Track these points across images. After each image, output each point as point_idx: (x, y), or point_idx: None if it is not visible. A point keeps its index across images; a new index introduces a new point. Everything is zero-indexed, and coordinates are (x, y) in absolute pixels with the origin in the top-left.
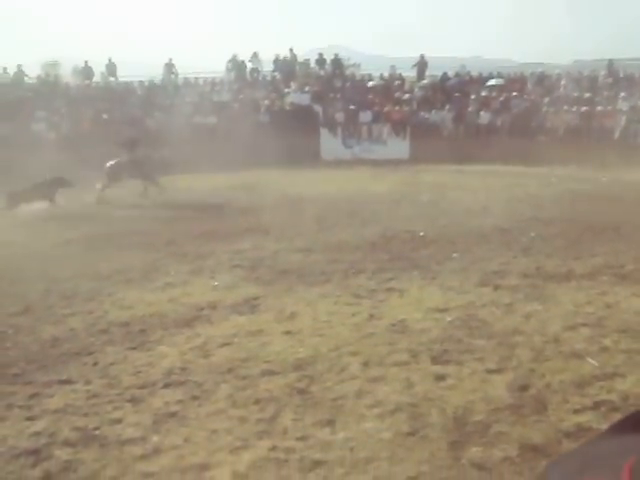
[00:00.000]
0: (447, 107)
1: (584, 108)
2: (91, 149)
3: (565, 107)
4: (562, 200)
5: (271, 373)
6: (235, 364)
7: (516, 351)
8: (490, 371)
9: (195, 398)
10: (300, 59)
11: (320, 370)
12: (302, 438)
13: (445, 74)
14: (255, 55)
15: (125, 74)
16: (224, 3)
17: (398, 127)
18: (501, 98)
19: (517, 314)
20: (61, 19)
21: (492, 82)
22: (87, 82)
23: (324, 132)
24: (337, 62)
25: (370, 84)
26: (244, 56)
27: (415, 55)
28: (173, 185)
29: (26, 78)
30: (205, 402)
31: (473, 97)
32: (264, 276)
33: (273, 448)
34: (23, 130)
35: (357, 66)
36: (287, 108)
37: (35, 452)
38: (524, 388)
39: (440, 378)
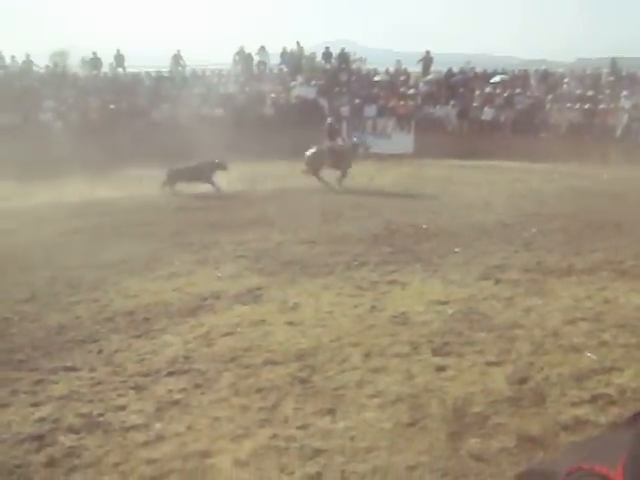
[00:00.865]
0: (451, 103)
1: (587, 106)
2: (97, 139)
3: (568, 104)
4: (564, 196)
5: (273, 362)
6: (238, 353)
7: (516, 344)
8: (490, 363)
9: (198, 386)
10: (307, 53)
11: (322, 360)
12: (303, 427)
13: (450, 70)
14: (262, 48)
15: (133, 64)
16: None
17: (403, 121)
18: (505, 94)
19: (517, 308)
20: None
21: (496, 79)
22: (95, 72)
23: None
24: (343, 56)
25: (375, 78)
26: (251, 49)
27: (421, 50)
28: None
29: (34, 68)
30: (208, 390)
31: (477, 93)
32: (268, 267)
33: (274, 436)
34: (31, 120)
35: (363, 60)
36: (293, 101)
37: (39, 438)
38: (523, 381)
39: (440, 370)
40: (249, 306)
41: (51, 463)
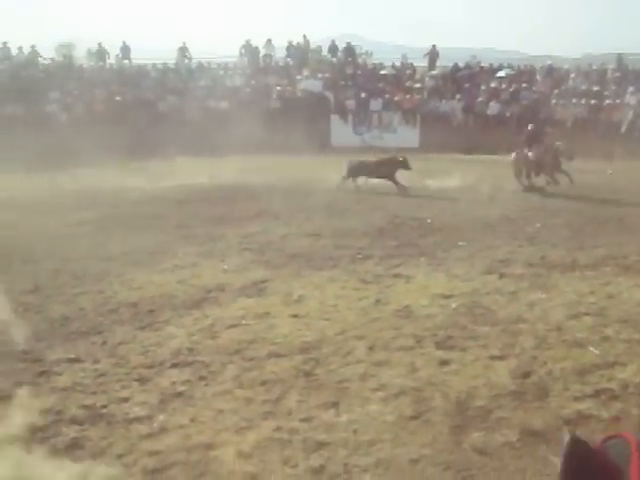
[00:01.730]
0: (457, 97)
1: (592, 101)
2: (103, 131)
3: (574, 100)
4: (568, 191)
5: (277, 355)
6: (242, 346)
7: (519, 338)
8: (493, 357)
9: (202, 378)
10: (313, 46)
11: (326, 353)
12: (306, 419)
13: (456, 64)
14: (269, 41)
15: (139, 57)
16: None
17: (408, 116)
18: (511, 89)
19: (521, 302)
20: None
21: (502, 73)
22: (101, 64)
23: (335, 119)
24: (349, 50)
25: (381, 72)
26: (257, 42)
27: (427, 45)
28: (184, 168)
29: (40, 59)
30: (212, 382)
31: (483, 88)
32: (273, 260)
33: (278, 429)
34: (36, 111)
35: (369, 54)
36: (299, 94)
37: (43, 429)
38: (526, 375)
39: (444, 363)
40: (254, 299)
41: (55, 454)
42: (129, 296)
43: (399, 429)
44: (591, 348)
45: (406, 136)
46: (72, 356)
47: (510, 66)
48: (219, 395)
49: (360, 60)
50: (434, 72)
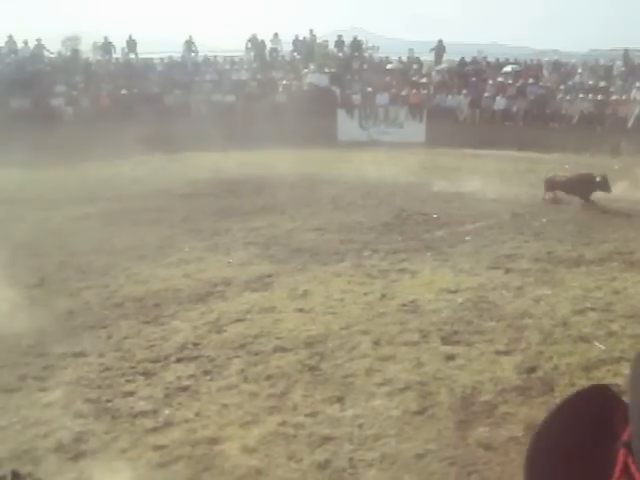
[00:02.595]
0: (464, 92)
1: (599, 97)
2: (108, 124)
3: (580, 95)
4: None
5: (283, 350)
6: (247, 340)
7: (525, 334)
8: (499, 352)
9: (207, 373)
10: (319, 40)
11: (331, 348)
12: (312, 414)
13: (463, 59)
14: (275, 35)
15: (145, 50)
16: None
17: (415, 110)
18: (517, 84)
19: (527, 297)
20: None
21: (508, 68)
22: (107, 58)
23: (341, 113)
24: (356, 44)
25: (388, 67)
26: (264, 36)
27: (433, 39)
28: (190, 162)
29: (46, 53)
30: (217, 377)
31: (490, 83)
32: (278, 254)
33: (283, 423)
34: (41, 104)
35: (375, 49)
36: (305, 89)
37: (48, 423)
38: (532, 370)
39: (449, 358)
40: (259, 293)
41: (59, 448)
42: (134, 290)
43: (404, 424)
44: (597, 343)
45: (412, 131)
46: (77, 350)
47: (517, 61)
48: (224, 389)
49: (367, 54)
50: (441, 67)
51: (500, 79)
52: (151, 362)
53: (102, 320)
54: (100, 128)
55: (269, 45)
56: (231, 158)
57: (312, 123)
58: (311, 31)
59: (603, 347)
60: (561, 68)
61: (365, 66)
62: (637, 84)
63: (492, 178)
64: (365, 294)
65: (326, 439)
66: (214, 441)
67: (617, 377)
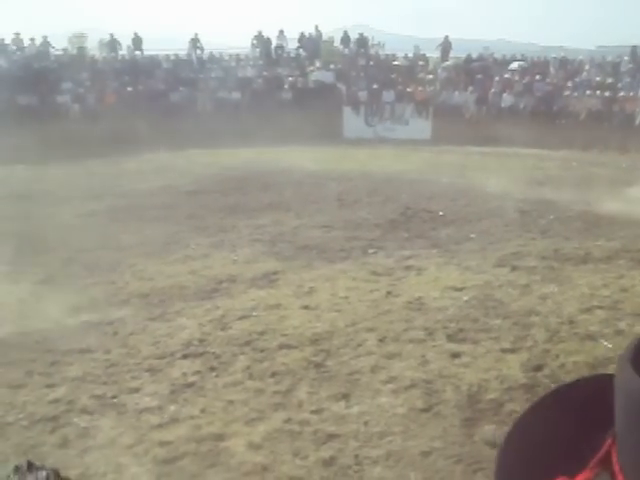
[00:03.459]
0: (470, 89)
1: (606, 93)
2: (114, 121)
3: (587, 92)
4: (581, 184)
5: (288, 347)
6: (253, 337)
7: (531, 331)
8: (505, 350)
9: (213, 369)
10: (325, 37)
11: (337, 345)
12: (317, 411)
13: (469, 56)
14: (281, 32)
15: (151, 48)
16: None
17: (421, 107)
18: (524, 81)
19: (533, 295)
20: None
21: (515, 65)
22: (113, 55)
23: (347, 110)
24: (361, 41)
25: (394, 63)
26: (269, 33)
27: (439, 36)
28: (196, 159)
29: (52, 50)
30: (222, 373)
31: (496, 79)
32: (284, 251)
33: (288, 420)
34: (48, 101)
35: (381, 45)
36: (311, 86)
37: (54, 419)
38: (538, 368)
39: (455, 356)
40: (265, 290)
41: (65, 444)
42: (140, 287)
43: (410, 421)
44: (604, 342)
45: (418, 128)
46: (83, 346)
47: (523, 58)
48: (230, 386)
49: (372, 51)
50: (447, 63)
51: (507, 76)
52: (157, 358)
53: (108, 316)
54: (106, 125)
55: (275, 42)
56: (237, 155)
57: (318, 120)
58: (317, 28)
59: (610, 345)
60: (568, 65)
61: (371, 63)
62: None
63: (498, 175)
64: (371, 291)
65: (331, 436)
66: (219, 437)
67: None
